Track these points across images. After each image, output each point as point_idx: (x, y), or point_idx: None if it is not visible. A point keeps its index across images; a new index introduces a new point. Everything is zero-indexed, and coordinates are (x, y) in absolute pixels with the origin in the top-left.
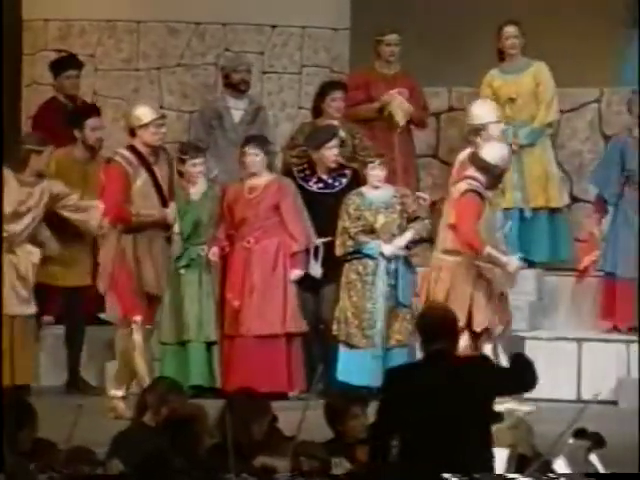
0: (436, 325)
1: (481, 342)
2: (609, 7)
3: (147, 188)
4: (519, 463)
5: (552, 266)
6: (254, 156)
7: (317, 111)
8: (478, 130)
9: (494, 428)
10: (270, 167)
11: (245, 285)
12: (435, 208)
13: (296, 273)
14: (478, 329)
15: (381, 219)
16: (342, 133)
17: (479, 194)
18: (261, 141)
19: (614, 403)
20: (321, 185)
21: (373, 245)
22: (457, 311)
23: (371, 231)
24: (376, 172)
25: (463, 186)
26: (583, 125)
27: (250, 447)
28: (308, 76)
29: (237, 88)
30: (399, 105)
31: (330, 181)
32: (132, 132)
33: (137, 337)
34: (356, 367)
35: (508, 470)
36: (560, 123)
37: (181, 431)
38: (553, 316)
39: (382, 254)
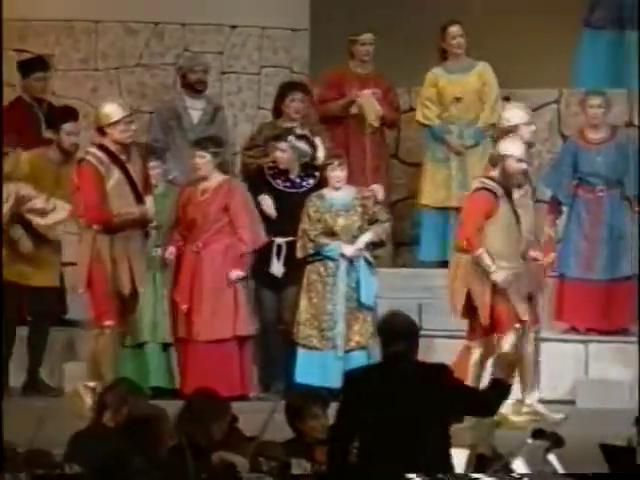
0: (396, 328)
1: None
2: (567, 7)
3: (121, 186)
4: (479, 463)
5: None
6: (201, 158)
7: (277, 112)
8: (508, 132)
9: (455, 428)
10: (223, 168)
11: (194, 289)
12: (396, 208)
13: (236, 274)
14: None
15: (341, 221)
16: (300, 132)
17: (492, 192)
18: (209, 143)
19: (572, 403)
20: (288, 184)
21: (333, 247)
22: (479, 309)
23: (331, 233)
24: (336, 173)
25: (475, 184)
26: (542, 126)
27: (210, 447)
28: (267, 76)
29: (194, 88)
30: (371, 106)
31: (298, 181)
32: (101, 130)
33: (105, 340)
34: (315, 369)
35: (468, 470)
36: None
37: (141, 432)
38: None
39: (343, 255)
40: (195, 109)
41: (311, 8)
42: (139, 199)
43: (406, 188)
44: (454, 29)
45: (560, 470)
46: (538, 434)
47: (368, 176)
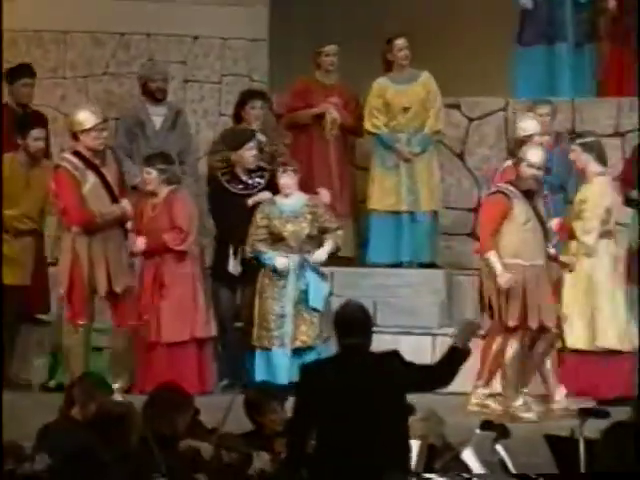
0: (350, 321)
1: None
2: (508, 24)
3: (97, 190)
4: (430, 453)
5: (463, 266)
6: (148, 174)
7: (237, 118)
8: (524, 142)
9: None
10: (172, 180)
11: (154, 294)
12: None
13: (138, 245)
14: (533, 326)
15: (290, 227)
16: (261, 137)
17: (504, 194)
18: (157, 159)
19: None
20: (241, 186)
21: (270, 255)
22: (494, 308)
23: (280, 239)
24: (285, 180)
25: (493, 189)
26: (491, 132)
27: (174, 438)
28: (228, 85)
29: (154, 96)
30: (330, 115)
31: (250, 182)
32: (75, 136)
33: (78, 338)
34: (268, 367)
35: (419, 460)
36: (469, 130)
37: (110, 426)
38: (461, 314)
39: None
40: (157, 115)
41: (270, 20)
42: (115, 201)
43: (361, 193)
44: (400, 42)
45: (507, 459)
46: (486, 425)
47: (334, 181)
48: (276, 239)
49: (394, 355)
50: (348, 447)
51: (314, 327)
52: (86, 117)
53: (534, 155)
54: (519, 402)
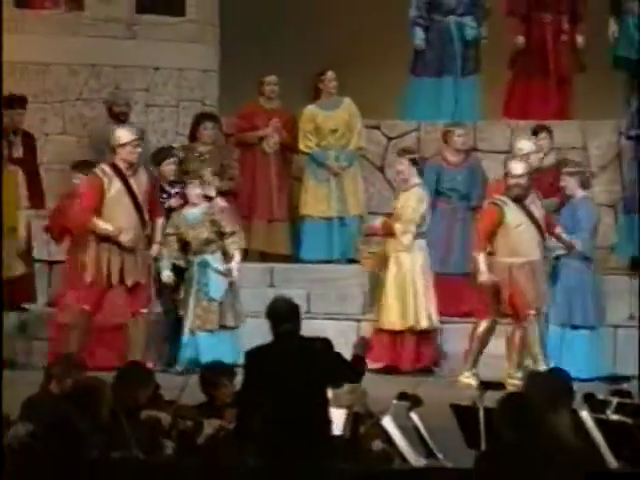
0: (281, 311)
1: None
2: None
3: (121, 197)
4: (355, 420)
5: None
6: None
7: (192, 137)
8: (521, 159)
9: (335, 392)
10: None
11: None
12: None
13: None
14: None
15: (192, 233)
16: (180, 153)
17: (496, 205)
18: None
19: (430, 371)
20: (165, 195)
21: (165, 264)
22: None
23: (186, 243)
24: (195, 191)
25: (487, 200)
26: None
27: (137, 409)
28: (184, 109)
29: (119, 118)
30: (269, 137)
31: (172, 191)
32: (113, 150)
33: (80, 321)
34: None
35: (346, 426)
36: (388, 148)
37: (84, 399)
38: None
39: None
40: None
41: (221, 53)
42: (138, 209)
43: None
44: (330, 74)
45: (420, 424)
46: (402, 396)
47: (274, 191)
48: (183, 244)
49: (325, 342)
50: (286, 418)
51: (212, 314)
52: (123, 134)
53: (515, 168)
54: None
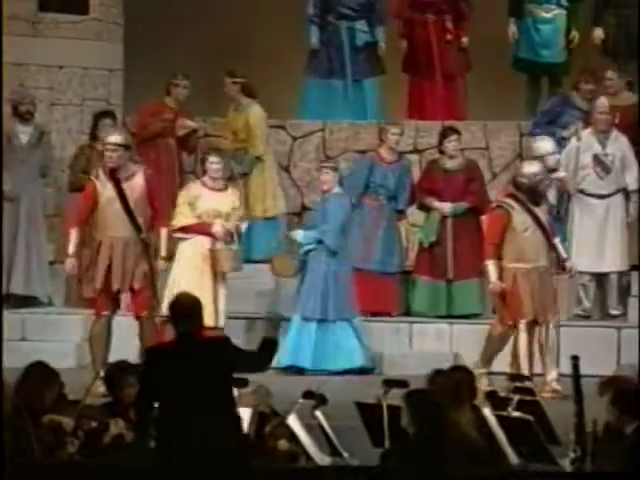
0: (182, 310)
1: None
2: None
3: (113, 202)
4: (260, 419)
5: None
6: None
7: (93, 136)
8: (537, 159)
9: (240, 392)
10: None
11: None
12: None
13: None
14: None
15: None
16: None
17: (503, 208)
18: None
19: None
20: None
21: None
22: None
23: None
24: None
25: (494, 204)
26: (311, 149)
27: (42, 411)
28: (89, 107)
29: (23, 117)
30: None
31: None
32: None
33: (100, 326)
34: None
35: (251, 425)
36: (293, 148)
37: None
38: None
39: None
40: (24, 133)
41: (125, 52)
42: (130, 215)
43: None
44: (226, 79)
45: (324, 422)
46: (308, 395)
47: (177, 187)
48: None
49: (225, 339)
50: (187, 417)
51: None
52: (107, 137)
53: (528, 167)
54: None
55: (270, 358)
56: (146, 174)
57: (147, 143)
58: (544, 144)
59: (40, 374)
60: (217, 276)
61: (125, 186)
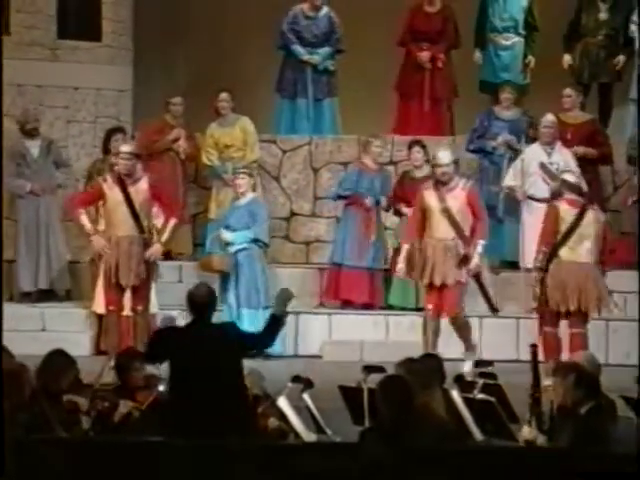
0: (198, 298)
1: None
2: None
3: (118, 204)
4: (254, 402)
5: (279, 260)
6: None
7: (105, 150)
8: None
9: None
10: None
11: None
12: (197, 219)
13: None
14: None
15: None
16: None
17: (555, 207)
18: None
19: (320, 357)
20: None
21: None
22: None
23: None
24: None
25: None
26: (299, 161)
27: (59, 393)
28: (101, 124)
29: (30, 134)
30: (179, 144)
31: None
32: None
33: (110, 319)
34: None
35: None
36: (283, 160)
37: (5, 380)
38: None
39: None
40: (34, 147)
41: (134, 75)
42: (135, 216)
43: (202, 205)
44: (223, 95)
45: (311, 404)
46: (296, 379)
47: (180, 197)
48: None
49: (231, 325)
50: (197, 398)
51: None
52: (120, 147)
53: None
54: None
55: (275, 336)
56: (150, 179)
57: (153, 156)
58: (442, 155)
59: (58, 361)
60: None
61: (131, 190)
